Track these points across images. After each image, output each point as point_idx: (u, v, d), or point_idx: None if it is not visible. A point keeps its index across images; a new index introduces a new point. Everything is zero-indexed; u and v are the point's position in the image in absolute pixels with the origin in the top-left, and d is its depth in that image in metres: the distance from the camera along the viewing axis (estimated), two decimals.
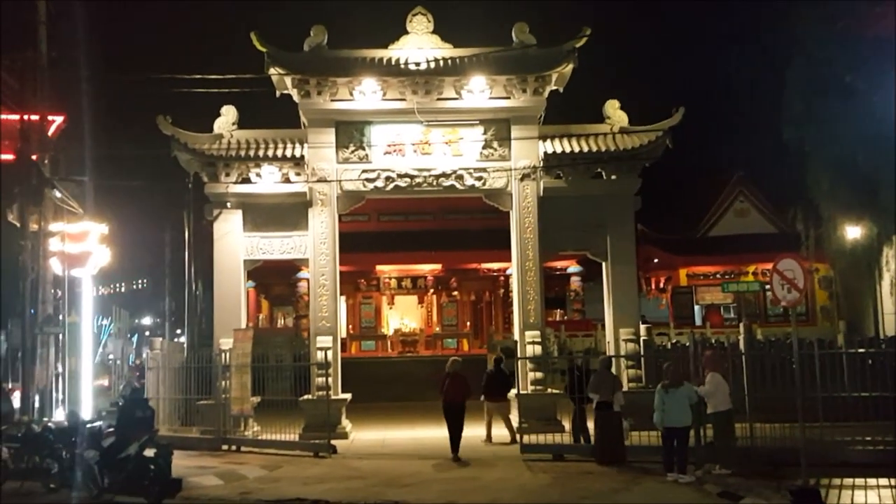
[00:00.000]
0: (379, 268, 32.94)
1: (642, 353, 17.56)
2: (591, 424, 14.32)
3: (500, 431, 16.17)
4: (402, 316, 33.46)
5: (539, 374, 17.63)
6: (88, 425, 12.62)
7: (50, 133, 18.84)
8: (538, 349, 17.75)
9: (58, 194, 17.65)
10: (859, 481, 10.96)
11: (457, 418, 14.37)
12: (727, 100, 39.58)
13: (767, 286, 32.05)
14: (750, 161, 35.30)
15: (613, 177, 18.68)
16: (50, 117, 18.76)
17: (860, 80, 19.30)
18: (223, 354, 16.91)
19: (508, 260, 20.62)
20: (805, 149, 21.33)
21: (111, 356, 38.39)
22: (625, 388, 15.30)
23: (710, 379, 12.39)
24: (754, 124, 40.02)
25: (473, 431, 15.59)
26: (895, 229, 21.12)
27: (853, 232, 22.43)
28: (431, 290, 33.69)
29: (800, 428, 10.47)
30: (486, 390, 16.37)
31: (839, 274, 24.37)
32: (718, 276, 34.18)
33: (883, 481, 10.89)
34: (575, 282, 33.65)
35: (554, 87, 18.55)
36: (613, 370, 15.02)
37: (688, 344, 15.95)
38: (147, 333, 45.77)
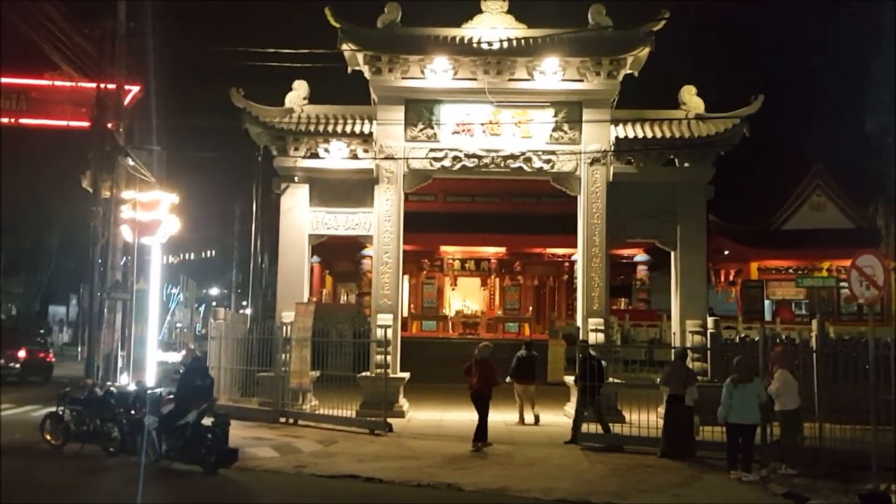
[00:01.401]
0: (443, 248, 32.94)
1: (709, 345, 17.07)
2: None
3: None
4: (465, 298, 33.43)
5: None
6: (149, 391, 12.87)
7: (126, 102, 19.24)
8: (601, 337, 17.42)
9: (131, 162, 18.00)
10: None
11: (481, 409, 13.90)
12: (809, 89, 38.12)
13: (843, 282, 31.54)
14: (829, 153, 34.04)
15: (686, 164, 18.15)
16: (126, 87, 19.15)
17: None
18: (284, 327, 17.04)
19: (574, 246, 20.27)
20: (889, 140, 20.35)
21: (179, 324, 39.33)
22: None
23: (779, 376, 11.96)
24: (836, 115, 38.52)
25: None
26: None
27: None
28: (495, 274, 33.58)
29: (872, 430, 9.99)
30: (515, 373, 16.79)
31: None
32: (791, 270, 33.36)
33: None
34: (641, 270, 33.14)
35: (629, 71, 18.12)
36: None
37: (757, 339, 15.43)
38: (214, 304, 46.75)
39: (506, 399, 16.66)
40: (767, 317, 31.59)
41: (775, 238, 33.42)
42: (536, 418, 16.76)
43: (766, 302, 33.05)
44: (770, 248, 33.19)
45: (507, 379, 16.54)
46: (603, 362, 15.39)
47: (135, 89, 19.53)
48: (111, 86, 18.55)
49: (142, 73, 19.50)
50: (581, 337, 17.06)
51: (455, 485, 11.01)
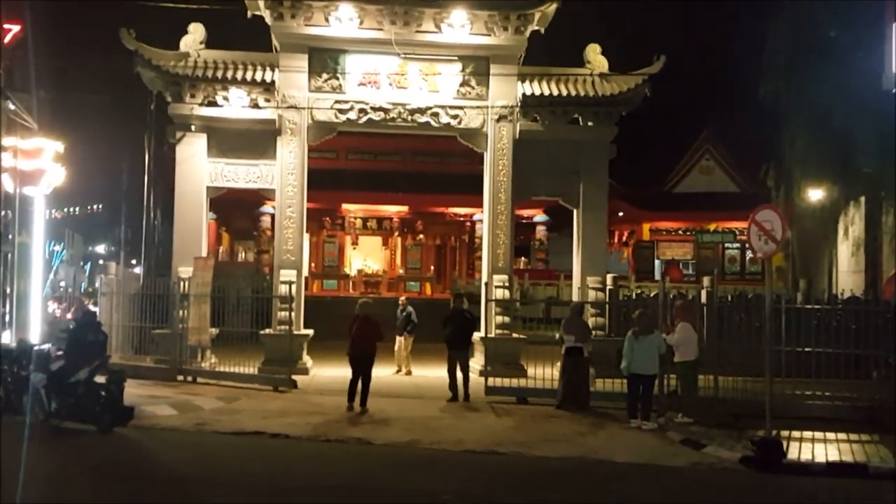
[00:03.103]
0: (344, 206, 32.52)
1: (608, 301, 17.47)
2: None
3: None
4: (366, 257, 33.18)
5: (506, 319, 17.48)
6: (36, 348, 12.13)
7: (5, 41, 17.93)
8: (506, 293, 17.56)
9: (11, 107, 16.81)
10: (818, 435, 11.12)
11: (365, 368, 12.97)
12: (704, 53, 39.20)
13: (733, 243, 33.02)
14: (722, 118, 35.21)
15: (590, 123, 18.36)
16: (6, 26, 17.83)
17: (845, 36, 19.05)
18: (182, 283, 16.40)
19: (476, 205, 20.30)
20: (781, 105, 21.14)
21: (62, 283, 37.50)
22: None
23: (681, 328, 12.34)
24: (730, 79, 39.83)
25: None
26: (863, 188, 21.20)
27: (816, 193, 22.46)
28: (396, 233, 33.42)
29: (766, 380, 10.42)
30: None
31: (797, 234, 24.47)
32: (681, 232, 34.53)
33: (841, 435, 11.06)
34: (540, 231, 33.62)
35: (536, 28, 18.09)
36: None
37: (653, 294, 15.90)
38: (101, 262, 44.70)
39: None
40: (657, 276, 32.65)
41: (667, 200, 34.54)
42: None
43: (657, 262, 34.17)
44: (662, 211, 34.28)
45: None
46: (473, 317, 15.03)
47: (15, 28, 18.20)
48: None
49: (22, 10, 18.19)
50: (487, 295, 16.99)
51: (364, 439, 10.92)
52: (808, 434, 11.11)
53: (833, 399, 12.61)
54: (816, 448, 10.54)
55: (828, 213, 22.50)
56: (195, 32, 17.91)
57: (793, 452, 10.23)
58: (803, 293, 19.09)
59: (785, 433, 10.75)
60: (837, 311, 13.46)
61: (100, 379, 11.17)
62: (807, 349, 12.18)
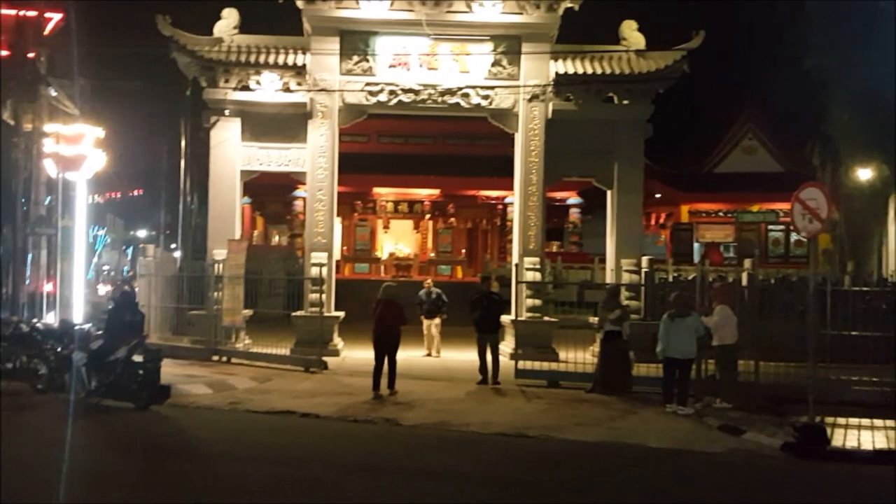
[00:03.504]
0: (376, 190, 32.53)
1: (643, 283, 17.23)
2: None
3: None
4: (398, 240, 33.16)
5: (537, 301, 17.32)
6: (77, 327, 12.37)
7: (47, 31, 18.24)
8: (537, 276, 17.41)
9: (53, 93, 17.10)
10: (864, 421, 10.79)
11: (390, 350, 12.82)
12: (745, 27, 38.21)
13: (776, 224, 32.31)
14: (764, 95, 34.34)
15: (626, 101, 17.99)
16: (48, 14, 18.12)
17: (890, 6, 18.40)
18: (216, 265, 16.55)
19: (508, 188, 20.05)
20: (827, 79, 20.50)
21: (106, 266, 38.11)
22: None
23: (719, 310, 12.06)
24: (772, 56, 38.85)
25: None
26: None
27: (865, 172, 21.83)
28: (428, 216, 33.35)
29: (810, 364, 10.14)
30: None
31: (845, 214, 23.81)
32: (721, 213, 33.92)
33: (889, 422, 10.70)
34: (574, 213, 33.31)
35: (569, 5, 17.65)
36: None
37: (690, 278, 15.62)
38: (142, 246, 45.17)
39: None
40: (696, 259, 32.14)
41: (707, 181, 33.88)
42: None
43: (696, 245, 33.63)
44: (701, 192, 33.64)
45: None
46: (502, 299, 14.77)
47: (56, 17, 18.51)
48: (31, 13, 17.56)
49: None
50: (518, 277, 16.90)
51: (392, 419, 10.93)
52: (852, 420, 10.78)
53: (880, 385, 12.16)
54: (862, 435, 10.22)
55: (877, 192, 21.84)
56: (229, 17, 17.94)
57: (837, 439, 9.95)
58: (850, 275, 18.65)
59: (829, 419, 10.45)
60: (886, 294, 13.06)
61: (138, 357, 11.32)
62: (853, 333, 11.84)
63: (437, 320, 17.56)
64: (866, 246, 24.34)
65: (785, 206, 32.07)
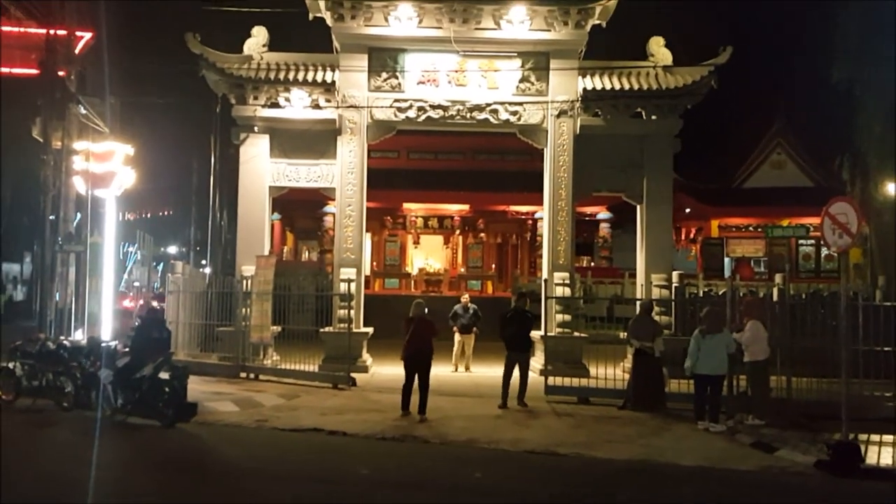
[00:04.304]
0: (406, 206, 32.58)
1: (674, 299, 17.03)
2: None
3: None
4: (427, 256, 33.16)
5: (567, 317, 17.21)
6: (104, 344, 12.43)
7: (77, 49, 18.48)
8: (567, 291, 17.28)
9: (83, 111, 17.32)
10: None
11: (423, 372, 12.32)
12: (773, 41, 37.86)
13: (807, 239, 31.90)
14: (792, 110, 33.98)
15: (654, 117, 17.94)
16: (78, 33, 18.37)
17: None
18: (245, 281, 16.62)
19: (537, 203, 19.93)
20: (856, 92, 20.21)
21: (136, 283, 38.46)
22: None
23: (751, 326, 11.91)
24: (799, 70, 38.43)
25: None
26: None
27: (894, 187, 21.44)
28: (458, 231, 33.35)
29: (843, 380, 9.93)
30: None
31: (875, 229, 23.37)
32: (751, 228, 33.57)
33: None
34: (604, 228, 33.10)
35: (597, 21, 17.75)
36: None
37: (723, 291, 15.39)
38: (172, 262, 45.55)
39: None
40: (727, 274, 31.75)
41: (736, 196, 33.52)
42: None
43: (726, 260, 33.25)
44: (731, 206, 33.31)
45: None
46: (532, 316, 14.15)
47: (87, 35, 18.78)
48: (61, 32, 17.81)
49: (95, 18, 18.71)
50: (547, 292, 16.72)
51: (421, 437, 10.84)
52: (886, 438, 10.52)
53: None
54: None
55: None
56: (258, 35, 18.13)
57: (871, 457, 9.74)
58: (882, 290, 18.30)
59: (862, 436, 10.22)
60: None
61: (164, 375, 11.34)
62: (886, 349, 11.61)
63: (472, 336, 17.44)
64: None
65: (815, 220, 31.73)
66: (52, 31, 17.42)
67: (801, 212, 31.68)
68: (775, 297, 13.83)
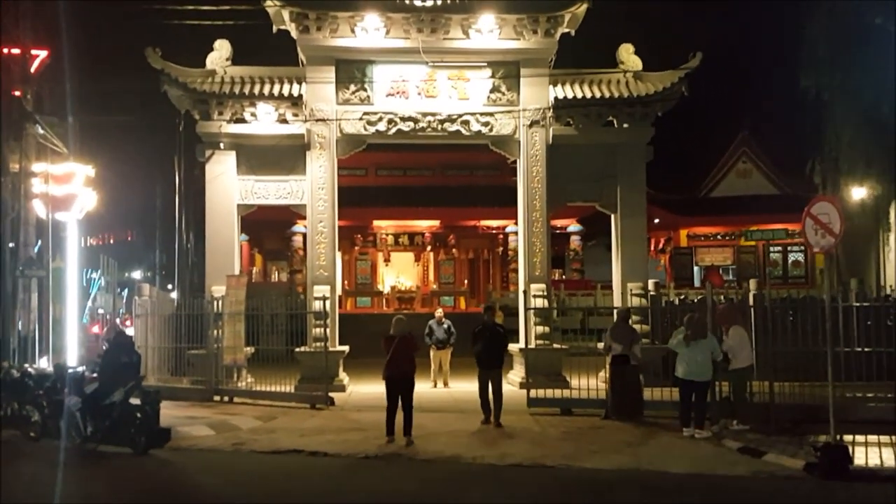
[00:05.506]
0: (376, 223, 32.28)
1: (650, 307, 16.91)
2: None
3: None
4: (399, 273, 32.84)
5: (546, 329, 17.03)
6: (71, 371, 11.93)
7: (33, 69, 17.99)
8: (545, 302, 17.09)
9: (40, 131, 16.84)
10: (884, 439, 10.54)
11: (406, 392, 11.55)
12: (739, 51, 38.27)
13: (774, 246, 32.20)
14: (757, 119, 34.45)
15: (626, 125, 17.89)
16: (33, 51, 17.89)
17: (890, 22, 18.31)
18: (215, 301, 16.16)
19: (508, 217, 19.79)
20: (823, 99, 20.40)
21: (101, 310, 37.62)
22: None
23: (734, 333, 11.83)
24: (765, 78, 38.99)
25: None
26: None
27: (863, 189, 21.64)
28: (429, 248, 33.09)
29: (830, 382, 9.85)
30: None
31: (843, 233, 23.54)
32: (720, 237, 33.84)
33: None
34: (575, 241, 33.04)
35: (566, 30, 17.68)
36: None
37: (700, 297, 15.33)
38: (137, 286, 44.67)
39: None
40: (696, 283, 31.94)
41: (704, 205, 33.85)
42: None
43: (696, 268, 33.47)
44: (699, 216, 33.61)
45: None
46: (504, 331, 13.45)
47: (42, 54, 18.26)
48: (15, 50, 17.32)
49: (50, 36, 18.24)
50: (526, 304, 16.51)
51: (406, 455, 10.53)
52: (871, 438, 10.49)
53: (894, 401, 11.87)
54: (883, 453, 9.97)
55: (878, 208, 21.68)
56: (221, 49, 17.74)
57: (859, 458, 9.64)
58: (855, 292, 18.35)
59: (847, 438, 10.09)
60: (888, 310, 12.82)
61: (135, 400, 10.91)
62: (866, 349, 11.57)
63: (448, 351, 17.17)
64: (864, 263, 24.08)
65: (780, 227, 32.29)
66: (5, 50, 16.91)
67: (767, 219, 32.13)
68: (751, 302, 13.72)
